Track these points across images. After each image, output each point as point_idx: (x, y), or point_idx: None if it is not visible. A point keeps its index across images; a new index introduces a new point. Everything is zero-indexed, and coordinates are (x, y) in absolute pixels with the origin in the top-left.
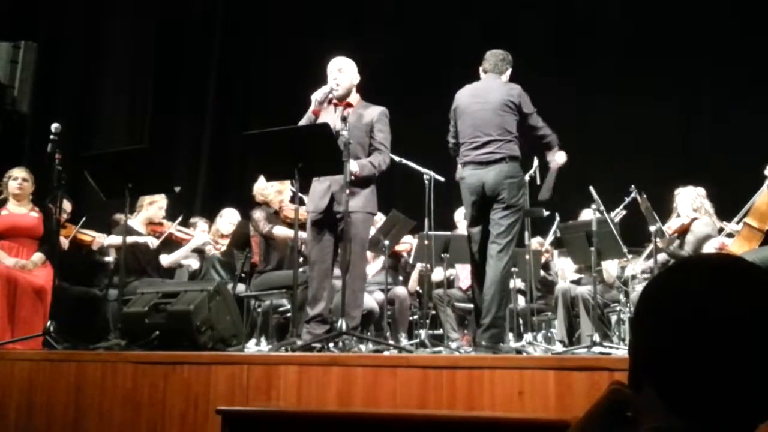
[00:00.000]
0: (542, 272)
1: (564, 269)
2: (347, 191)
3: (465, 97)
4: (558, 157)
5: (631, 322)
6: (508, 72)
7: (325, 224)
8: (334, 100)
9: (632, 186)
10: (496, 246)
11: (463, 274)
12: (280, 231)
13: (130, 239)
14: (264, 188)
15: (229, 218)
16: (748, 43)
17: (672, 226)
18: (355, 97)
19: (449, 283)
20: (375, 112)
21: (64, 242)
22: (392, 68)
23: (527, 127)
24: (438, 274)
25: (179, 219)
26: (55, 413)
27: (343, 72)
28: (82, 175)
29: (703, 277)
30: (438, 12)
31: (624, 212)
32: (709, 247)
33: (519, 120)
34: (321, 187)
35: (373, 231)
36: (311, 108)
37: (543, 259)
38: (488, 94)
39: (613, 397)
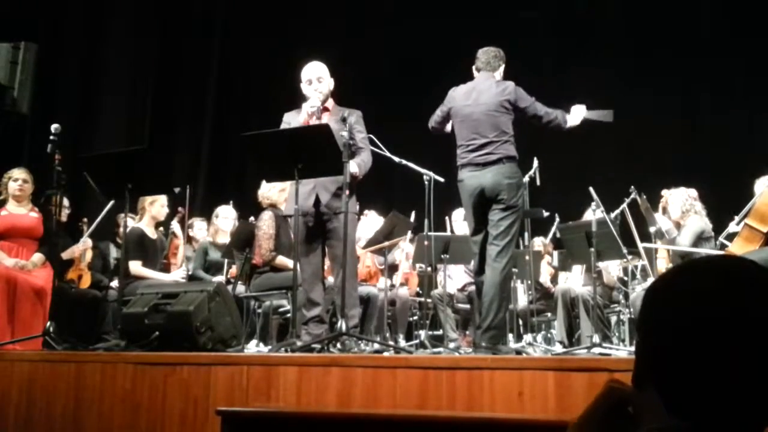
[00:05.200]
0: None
1: (547, 280)
2: (347, 192)
3: (459, 98)
4: (574, 119)
5: (635, 322)
6: (502, 68)
7: (311, 225)
8: None
9: (632, 187)
10: (495, 247)
11: (455, 273)
12: (281, 261)
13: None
14: (268, 190)
15: (224, 214)
16: (749, 43)
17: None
18: (330, 102)
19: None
20: (352, 116)
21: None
22: (392, 69)
23: (531, 118)
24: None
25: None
26: (55, 413)
27: (322, 81)
28: (82, 176)
29: (706, 279)
30: (438, 12)
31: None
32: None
33: (520, 116)
34: (305, 189)
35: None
36: (302, 117)
37: (547, 260)
38: (481, 96)
39: (611, 394)
